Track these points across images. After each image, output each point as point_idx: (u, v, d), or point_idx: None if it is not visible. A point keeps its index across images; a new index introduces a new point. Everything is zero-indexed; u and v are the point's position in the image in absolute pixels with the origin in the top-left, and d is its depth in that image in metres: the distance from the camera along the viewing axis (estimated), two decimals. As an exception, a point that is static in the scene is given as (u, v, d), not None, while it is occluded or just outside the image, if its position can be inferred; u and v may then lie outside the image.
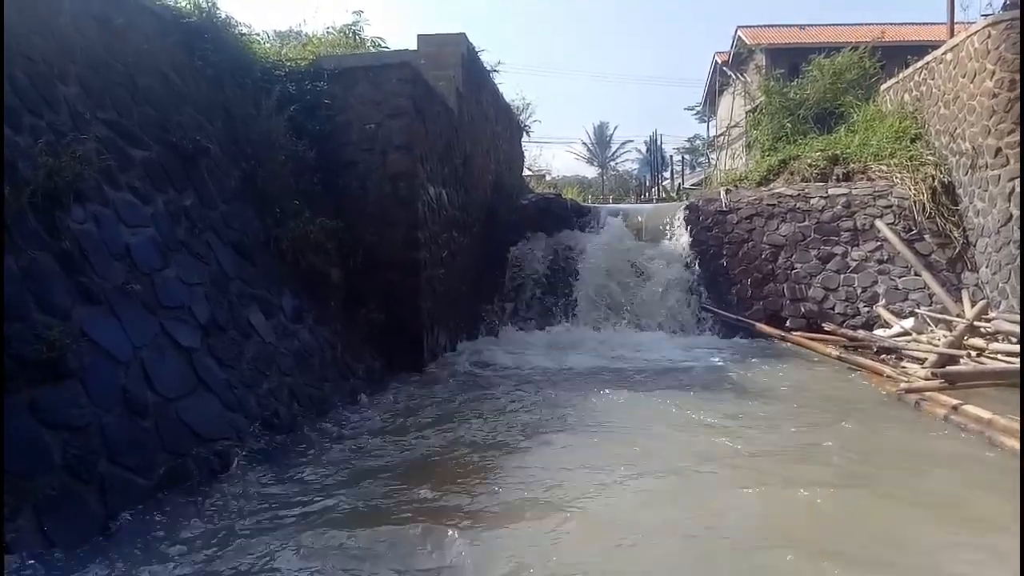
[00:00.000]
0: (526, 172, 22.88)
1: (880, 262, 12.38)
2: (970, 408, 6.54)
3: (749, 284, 12.77)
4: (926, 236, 12.30)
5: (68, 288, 4.82)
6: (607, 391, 8.34)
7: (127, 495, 4.48)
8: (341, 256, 8.77)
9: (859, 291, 12.25)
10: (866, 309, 11.99)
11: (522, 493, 5.05)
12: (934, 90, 12.98)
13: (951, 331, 9.53)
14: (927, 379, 7.99)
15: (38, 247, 4.71)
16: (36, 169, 4.85)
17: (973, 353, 8.49)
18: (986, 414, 6.25)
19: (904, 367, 8.88)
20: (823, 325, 11.75)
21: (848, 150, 14.52)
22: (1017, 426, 5.74)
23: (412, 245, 9.57)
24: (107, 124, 5.95)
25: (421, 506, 4.81)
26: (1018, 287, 10.06)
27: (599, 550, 4.20)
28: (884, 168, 13.47)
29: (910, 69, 14.15)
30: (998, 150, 10.72)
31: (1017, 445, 5.58)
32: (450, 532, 4.28)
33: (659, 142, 42.87)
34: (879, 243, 12.55)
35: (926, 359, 8.68)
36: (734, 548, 4.21)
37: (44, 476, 4.03)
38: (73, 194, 5.11)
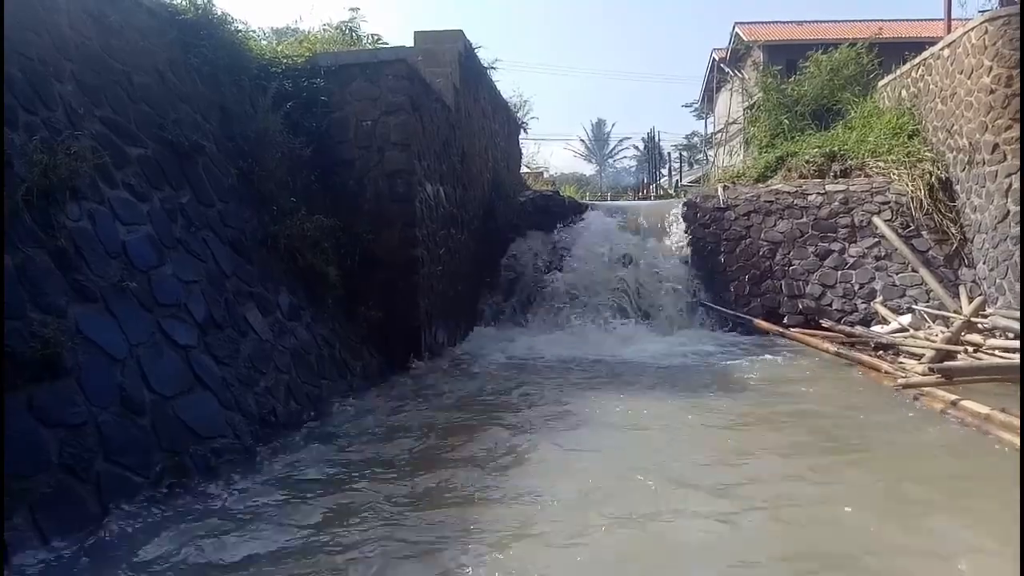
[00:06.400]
0: (524, 169, 22.83)
1: (878, 258, 12.39)
2: (968, 403, 6.54)
3: (747, 281, 12.78)
4: (923, 232, 12.31)
5: (64, 286, 4.80)
6: (602, 387, 8.37)
7: (124, 493, 4.47)
8: (338, 254, 8.75)
9: (856, 287, 12.26)
10: (864, 305, 12.00)
11: (513, 484, 5.05)
12: (931, 86, 12.98)
13: (948, 327, 9.53)
14: (925, 375, 7.99)
15: (33, 245, 4.70)
16: (31, 166, 4.83)
17: (970, 349, 8.49)
18: (984, 409, 6.25)
19: (902, 363, 8.88)
20: (821, 321, 11.77)
21: (846, 146, 14.52)
22: (1016, 421, 5.74)
23: (409, 243, 9.56)
24: (103, 121, 5.93)
25: (420, 505, 4.80)
26: (1015, 283, 10.07)
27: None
28: (881, 164, 13.48)
29: (907, 65, 14.14)
30: (995, 146, 10.72)
31: (1016, 440, 5.58)
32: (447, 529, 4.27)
33: (657, 139, 42.92)
34: (876, 239, 12.56)
35: (924, 355, 8.68)
36: (738, 537, 4.22)
37: (41, 474, 4.03)
38: (68, 191, 5.09)
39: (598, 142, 58.07)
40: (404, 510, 4.70)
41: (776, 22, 27.32)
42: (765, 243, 13.02)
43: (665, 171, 41.18)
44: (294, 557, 4.02)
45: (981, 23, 11.07)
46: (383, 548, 4.11)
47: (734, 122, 24.41)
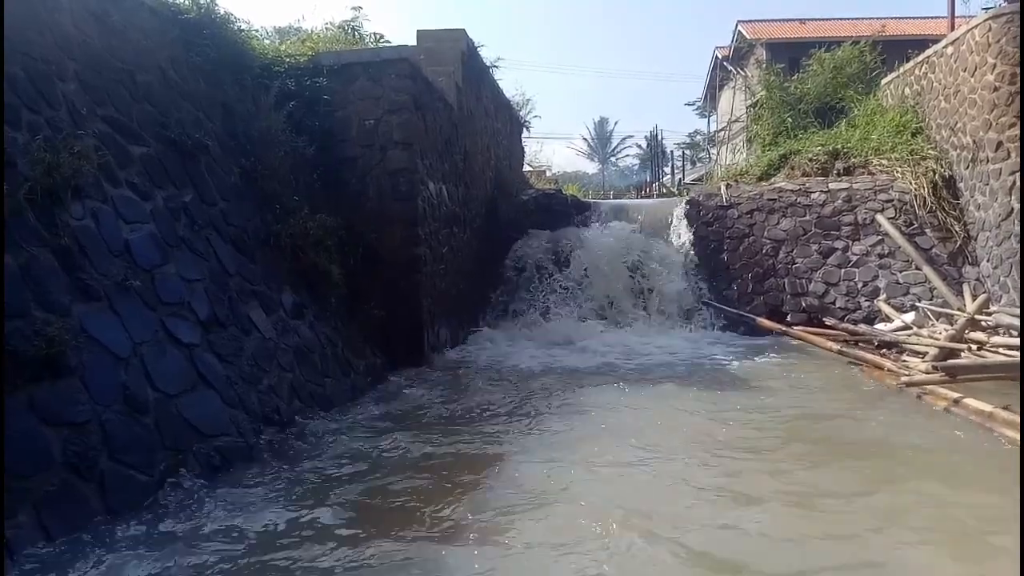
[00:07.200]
0: (526, 168, 22.84)
1: (881, 256, 12.38)
2: (971, 401, 6.53)
3: (750, 279, 12.78)
4: (927, 230, 12.29)
5: (67, 285, 4.81)
6: (605, 385, 8.36)
7: (127, 492, 4.48)
8: (341, 253, 8.74)
9: (860, 285, 12.24)
10: (867, 303, 11.99)
11: (512, 490, 5.06)
12: (935, 84, 12.95)
13: (952, 325, 9.52)
14: (928, 373, 7.98)
15: (37, 244, 4.71)
16: (34, 165, 4.84)
17: (974, 347, 8.46)
18: (987, 407, 6.25)
19: (905, 361, 8.87)
20: (824, 319, 11.75)
21: (849, 144, 14.50)
22: (1017, 419, 5.73)
23: (412, 241, 9.56)
24: (106, 120, 5.94)
25: (421, 507, 4.81)
26: (1018, 281, 10.05)
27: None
28: (885, 162, 13.45)
29: (911, 63, 14.11)
30: (999, 144, 10.70)
31: (1018, 438, 5.57)
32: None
33: (660, 138, 42.87)
34: (880, 237, 12.54)
35: (927, 353, 8.66)
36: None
37: (44, 473, 4.04)
38: (72, 190, 5.10)
39: (600, 140, 58.12)
40: (403, 512, 4.71)
41: (779, 20, 27.26)
42: (768, 241, 13.01)
43: (668, 169, 41.13)
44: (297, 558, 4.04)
45: (985, 20, 11.04)
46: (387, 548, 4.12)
47: (737, 120, 24.37)
